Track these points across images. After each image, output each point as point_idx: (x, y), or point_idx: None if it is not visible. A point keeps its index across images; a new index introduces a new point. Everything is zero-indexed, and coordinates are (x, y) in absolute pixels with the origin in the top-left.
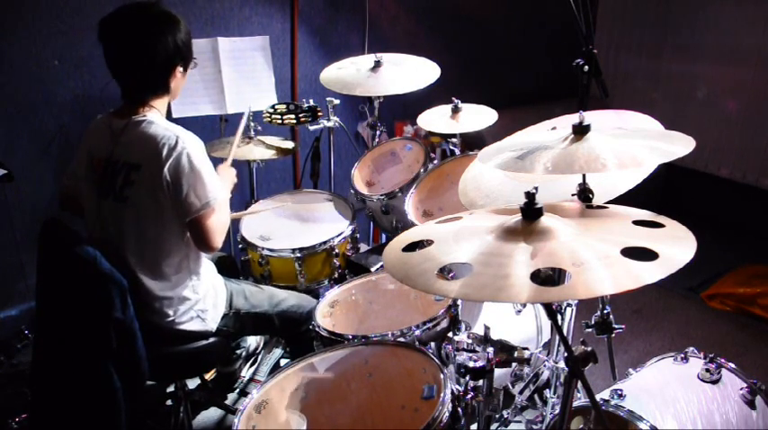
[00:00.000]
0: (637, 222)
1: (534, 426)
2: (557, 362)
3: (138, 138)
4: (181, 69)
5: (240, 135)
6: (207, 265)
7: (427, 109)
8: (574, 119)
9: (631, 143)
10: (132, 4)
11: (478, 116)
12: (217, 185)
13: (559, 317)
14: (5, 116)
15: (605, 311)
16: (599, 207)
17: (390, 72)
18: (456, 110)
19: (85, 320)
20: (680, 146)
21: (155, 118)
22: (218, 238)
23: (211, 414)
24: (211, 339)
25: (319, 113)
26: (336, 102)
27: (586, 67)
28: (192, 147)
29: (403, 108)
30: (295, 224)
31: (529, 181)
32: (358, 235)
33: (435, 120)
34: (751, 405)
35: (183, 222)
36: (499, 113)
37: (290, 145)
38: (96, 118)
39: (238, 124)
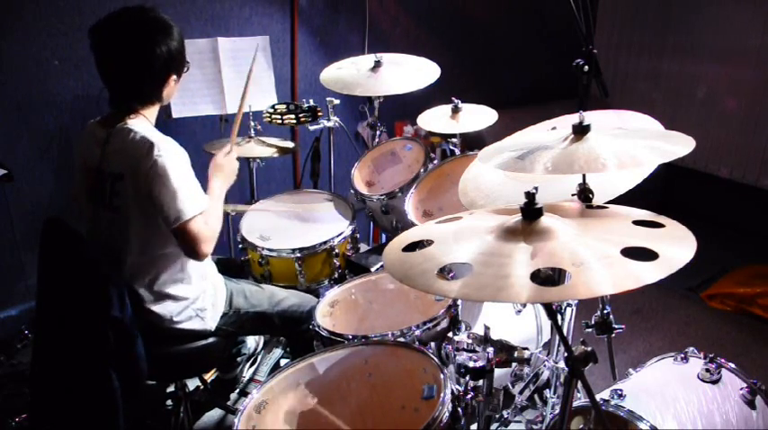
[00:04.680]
0: (637, 222)
1: (534, 426)
2: (557, 362)
3: (120, 147)
4: (174, 77)
5: (242, 109)
6: (204, 266)
7: (427, 109)
8: (574, 119)
9: (631, 143)
10: (123, 10)
11: (478, 116)
12: (190, 198)
13: (559, 317)
14: (5, 116)
15: (605, 311)
16: (599, 207)
17: (390, 72)
18: (456, 110)
19: (84, 319)
20: (680, 146)
21: (137, 125)
22: (204, 247)
23: (212, 414)
24: (211, 339)
25: (319, 113)
26: (336, 102)
27: (586, 67)
28: (167, 156)
29: (403, 108)
30: (295, 224)
31: (529, 181)
32: (358, 235)
33: (435, 120)
34: (751, 405)
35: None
36: (499, 113)
37: (290, 145)
38: (87, 124)
39: (242, 95)
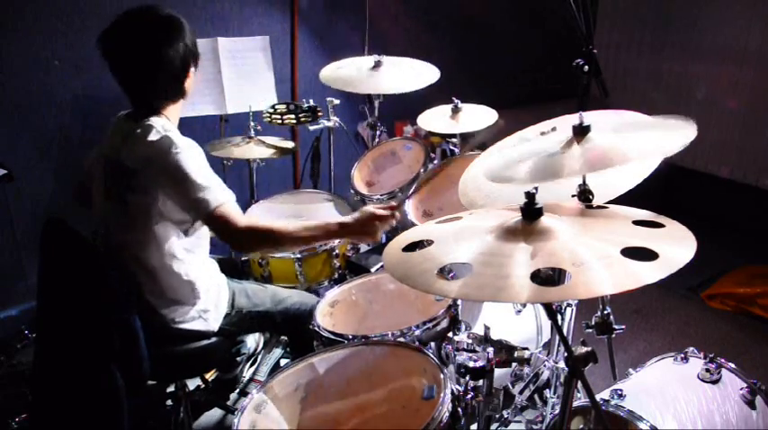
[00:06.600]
0: (637, 222)
1: (534, 426)
2: (557, 362)
3: (139, 144)
4: (193, 69)
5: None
6: (207, 266)
7: (427, 109)
8: (574, 119)
9: (634, 137)
10: (131, 12)
11: (478, 116)
12: (214, 189)
13: (559, 317)
14: (5, 116)
15: (605, 311)
16: (599, 207)
17: (391, 71)
18: (456, 110)
19: (88, 320)
20: (682, 134)
21: (158, 123)
22: (239, 227)
23: (212, 414)
24: (213, 339)
25: (319, 113)
26: (336, 102)
27: (586, 67)
28: (185, 152)
29: (403, 108)
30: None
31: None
32: None
33: (435, 120)
34: (751, 405)
35: (180, 225)
36: (499, 113)
37: (290, 145)
38: (118, 115)
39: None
